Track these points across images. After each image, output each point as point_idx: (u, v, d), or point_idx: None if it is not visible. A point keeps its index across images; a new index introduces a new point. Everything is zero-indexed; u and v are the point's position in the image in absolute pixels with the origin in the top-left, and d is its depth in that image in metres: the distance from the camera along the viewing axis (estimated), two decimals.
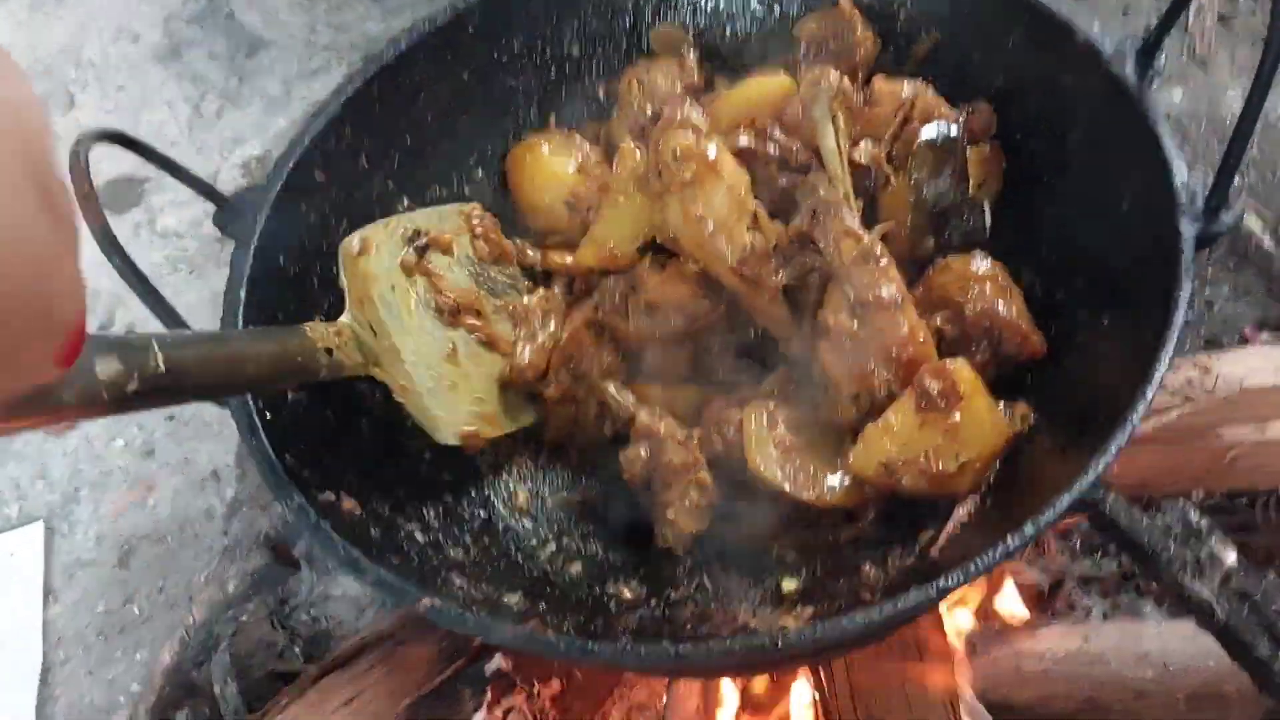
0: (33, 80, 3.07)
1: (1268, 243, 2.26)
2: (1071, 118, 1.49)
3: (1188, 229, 1.25)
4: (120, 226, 2.93)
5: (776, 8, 1.78)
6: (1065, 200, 1.51)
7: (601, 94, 1.82)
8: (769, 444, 1.44)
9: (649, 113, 1.66)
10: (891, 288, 1.39)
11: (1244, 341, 2.12)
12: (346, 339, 1.38)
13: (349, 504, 1.35)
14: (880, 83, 1.59)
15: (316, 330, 1.34)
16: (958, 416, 1.35)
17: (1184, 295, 1.22)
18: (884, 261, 1.40)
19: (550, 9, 1.74)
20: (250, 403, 1.31)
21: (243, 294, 1.40)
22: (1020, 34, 1.55)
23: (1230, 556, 1.47)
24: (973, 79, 1.63)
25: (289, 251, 1.50)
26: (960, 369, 1.36)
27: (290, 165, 1.51)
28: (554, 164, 1.71)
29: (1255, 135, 2.62)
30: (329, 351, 1.33)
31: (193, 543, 2.44)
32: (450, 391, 1.50)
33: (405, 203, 1.68)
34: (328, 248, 1.56)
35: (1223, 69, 2.78)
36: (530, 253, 1.67)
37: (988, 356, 1.46)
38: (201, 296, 2.81)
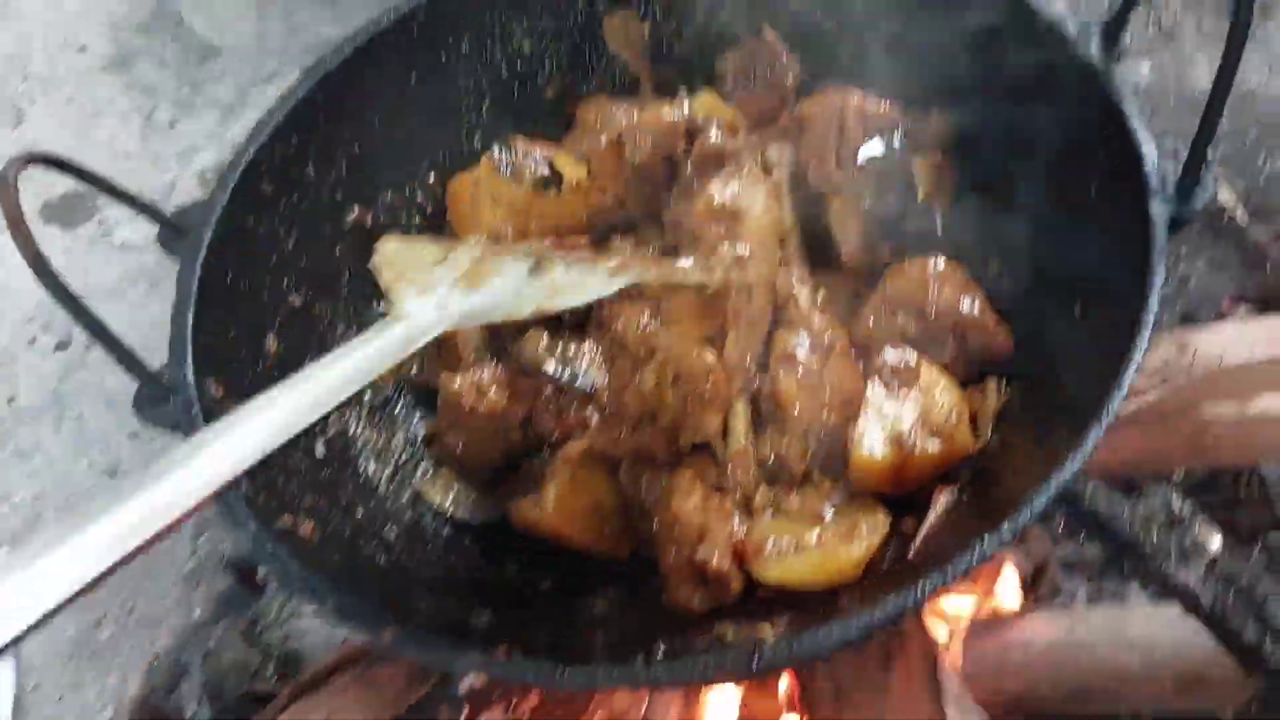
0: None
1: (1241, 215, 2.24)
2: (1037, 101, 1.46)
3: (1160, 212, 1.22)
4: (74, 241, 2.89)
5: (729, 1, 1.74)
6: (1032, 188, 1.47)
7: (550, 94, 1.78)
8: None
9: (603, 142, 1.61)
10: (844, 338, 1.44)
11: (1222, 315, 2.10)
12: None
13: (307, 527, 1.31)
14: (807, 105, 1.59)
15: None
16: (925, 376, 1.40)
17: (1158, 281, 1.19)
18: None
19: (498, 7, 1.69)
20: (200, 427, 1.26)
21: (190, 316, 1.35)
22: (983, 15, 1.51)
23: (1215, 542, 1.45)
24: (935, 66, 1.59)
25: (237, 268, 1.45)
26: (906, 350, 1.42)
27: (235, 179, 1.46)
28: (482, 206, 1.65)
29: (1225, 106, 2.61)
30: None
31: (162, 559, 2.38)
32: None
33: (355, 211, 1.63)
34: (276, 261, 1.52)
35: (1189, 40, 2.76)
36: None
37: (955, 354, 1.44)
38: (165, 309, 2.71)
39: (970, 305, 1.46)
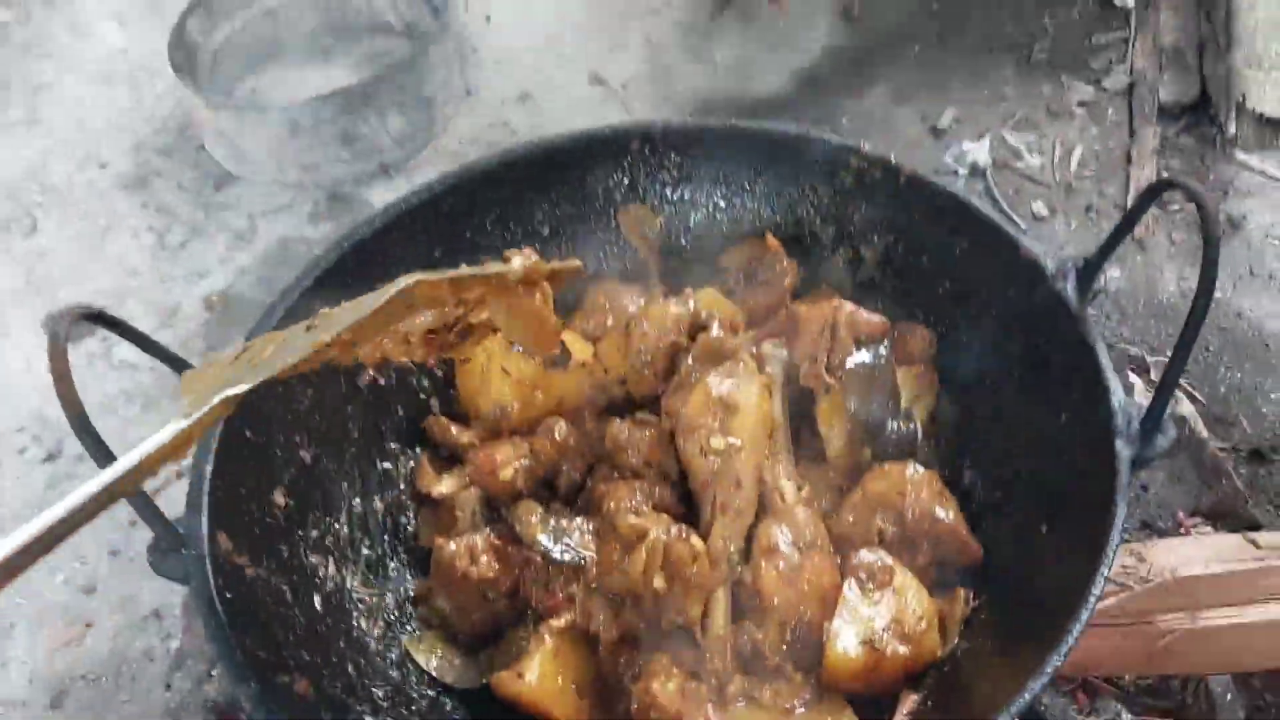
0: None
1: (1200, 427, 2.35)
2: (1015, 327, 1.58)
3: (1124, 451, 1.32)
4: (76, 355, 2.93)
5: (738, 200, 1.86)
6: (1007, 407, 1.58)
7: None
8: None
9: (607, 324, 1.72)
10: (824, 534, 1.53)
11: (1179, 527, 2.19)
12: None
13: (302, 685, 1.36)
14: (803, 308, 1.71)
15: None
16: (899, 580, 1.48)
17: (1119, 518, 1.28)
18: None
19: (522, 191, 1.80)
20: (210, 583, 1.32)
21: (209, 470, 1.41)
22: (966, 244, 1.64)
23: None
24: (923, 282, 1.71)
25: (254, 424, 1.53)
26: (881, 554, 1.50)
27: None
28: (493, 377, 1.75)
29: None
30: None
31: (129, 685, 2.39)
32: None
33: (369, 373, 1.71)
34: (291, 418, 1.59)
35: (1160, 250, 2.92)
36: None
37: (928, 559, 1.52)
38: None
39: (944, 514, 1.55)
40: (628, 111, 3.44)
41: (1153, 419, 1.33)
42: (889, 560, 1.49)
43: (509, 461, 1.64)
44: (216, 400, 1.20)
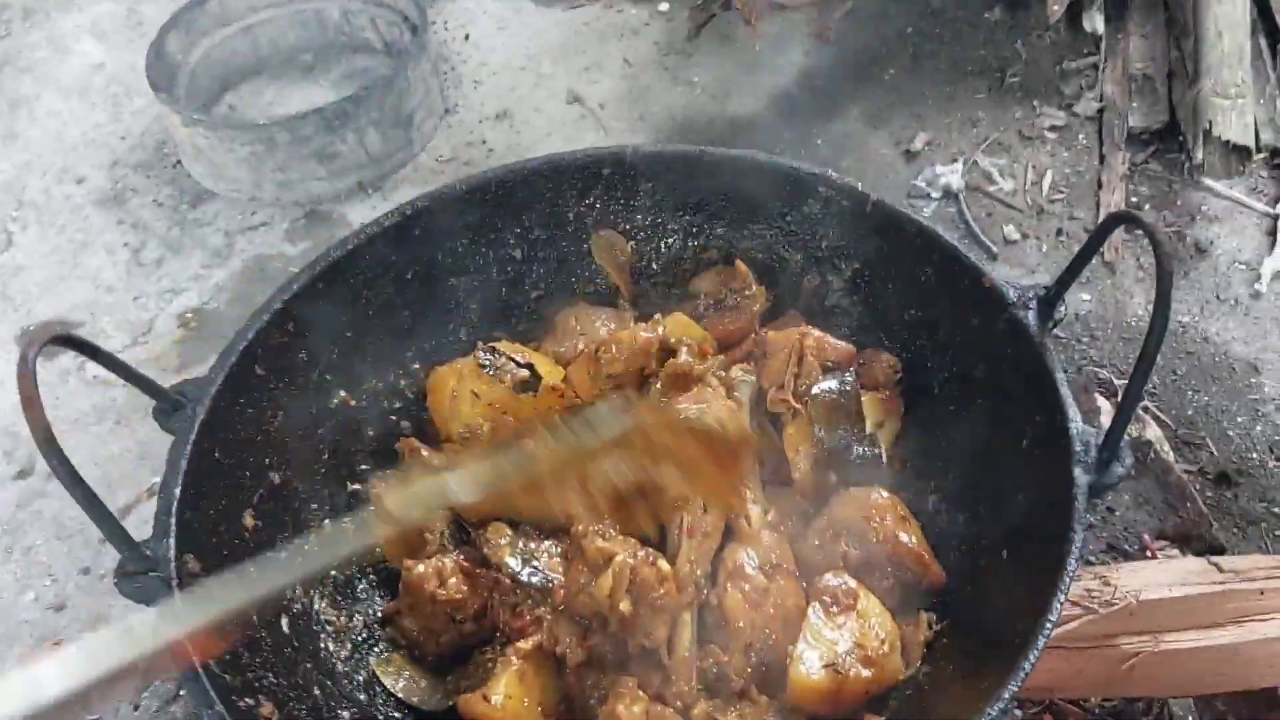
0: None
1: (1166, 451, 2.38)
2: (978, 354, 1.60)
3: (1081, 479, 1.34)
4: (49, 372, 2.93)
5: (708, 226, 1.89)
6: (971, 433, 1.60)
7: (536, 296, 1.91)
8: None
9: (579, 348, 1.74)
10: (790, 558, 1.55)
11: (1144, 550, 2.22)
12: None
13: (267, 708, 1.36)
14: (771, 334, 1.73)
15: None
16: (863, 604, 1.50)
17: (1077, 544, 1.30)
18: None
19: (494, 214, 1.82)
20: (178, 603, 1.32)
21: (177, 493, 1.42)
22: (931, 271, 1.66)
23: None
24: (889, 308, 1.73)
25: (224, 445, 1.53)
26: (847, 575, 1.53)
27: (233, 361, 1.55)
28: (463, 401, 1.75)
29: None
30: None
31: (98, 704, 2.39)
32: None
33: (340, 394, 1.72)
34: (261, 439, 1.60)
35: (1129, 274, 2.95)
36: None
37: (892, 583, 1.54)
38: (126, 447, 2.79)
39: (908, 538, 1.58)
40: (605, 131, 3.47)
41: (1110, 446, 1.35)
42: (853, 584, 1.51)
43: None
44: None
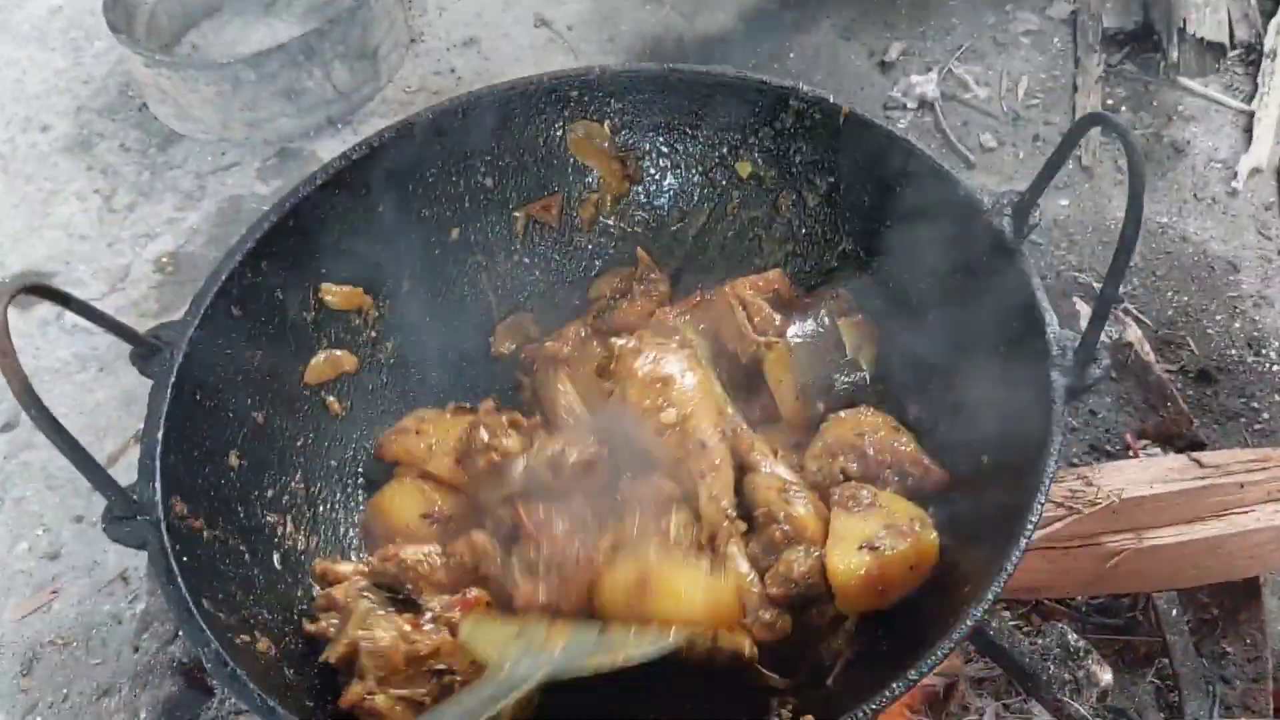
0: None
1: (1147, 352, 2.39)
2: (955, 264, 1.60)
3: (1059, 381, 1.35)
4: (27, 322, 2.92)
5: (680, 146, 1.87)
6: (951, 339, 1.61)
7: (520, 226, 1.89)
8: None
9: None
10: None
11: (1127, 449, 2.24)
12: None
13: (264, 644, 1.38)
14: (704, 304, 1.78)
15: None
16: (882, 497, 1.55)
17: (1055, 446, 1.31)
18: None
19: (463, 143, 1.79)
20: (167, 546, 1.33)
21: (160, 436, 1.42)
22: (906, 183, 1.65)
23: (1106, 676, 1.57)
24: (865, 221, 1.73)
25: (204, 386, 1.53)
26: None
27: (206, 303, 1.54)
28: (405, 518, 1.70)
29: (1138, 243, 2.79)
30: None
31: (99, 649, 2.41)
32: None
33: (320, 337, 1.72)
34: (242, 379, 1.60)
35: (1106, 178, 2.95)
36: None
37: (897, 490, 1.56)
38: (111, 394, 2.79)
39: (903, 444, 1.59)
40: (574, 54, 3.42)
41: (1086, 349, 1.35)
42: (867, 489, 1.54)
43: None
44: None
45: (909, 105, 3.15)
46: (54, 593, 2.51)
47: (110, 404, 2.76)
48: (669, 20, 3.51)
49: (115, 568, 2.53)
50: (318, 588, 1.54)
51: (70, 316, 2.95)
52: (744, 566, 1.51)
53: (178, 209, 3.15)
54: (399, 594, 1.53)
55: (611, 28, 3.51)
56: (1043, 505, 1.27)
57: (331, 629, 1.47)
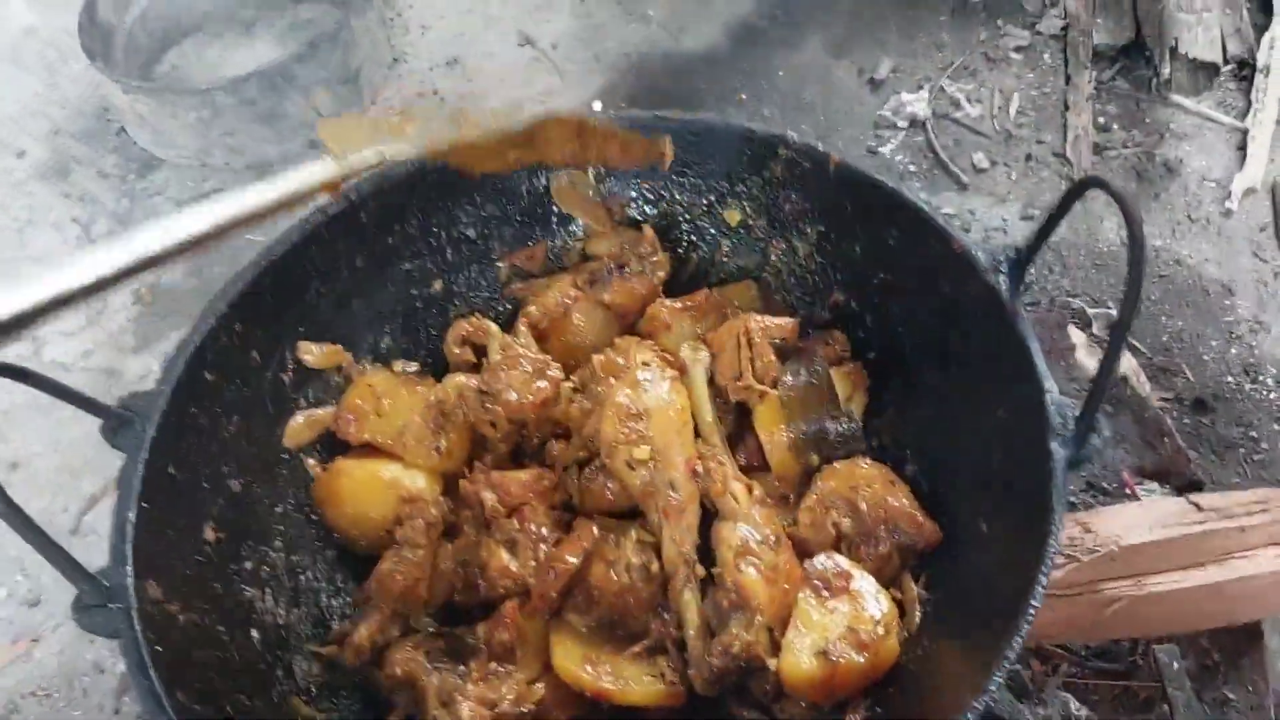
0: None
1: (1143, 383, 2.36)
2: (949, 319, 1.56)
3: (1059, 453, 1.31)
4: (2, 357, 2.86)
5: (665, 194, 1.83)
6: (947, 398, 1.57)
7: (504, 276, 1.86)
8: None
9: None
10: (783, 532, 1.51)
11: (1124, 487, 2.21)
12: None
13: None
14: (711, 335, 1.73)
15: None
16: (856, 584, 1.47)
17: (1057, 521, 1.27)
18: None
19: (443, 194, 1.75)
20: (139, 636, 1.28)
21: (132, 515, 1.37)
22: (899, 234, 1.61)
23: None
24: (856, 273, 1.69)
25: (178, 458, 1.48)
26: (839, 556, 1.50)
27: (179, 370, 1.49)
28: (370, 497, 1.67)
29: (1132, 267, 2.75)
30: None
31: (81, 700, 2.36)
32: None
33: (298, 398, 1.67)
34: (217, 447, 1.55)
35: (1099, 200, 2.90)
36: None
37: (890, 548, 1.52)
38: (87, 430, 2.67)
39: (898, 501, 1.55)
40: (560, 75, 3.37)
41: (1087, 419, 1.31)
42: (845, 564, 1.48)
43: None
44: (370, 153, 1.35)
45: (900, 124, 3.10)
46: (34, 641, 2.46)
47: (85, 441, 2.69)
48: (655, 37, 3.46)
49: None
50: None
51: (48, 353, 2.91)
52: (693, 616, 1.48)
53: None
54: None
55: (597, 45, 3.46)
56: (1045, 586, 1.23)
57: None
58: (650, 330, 1.76)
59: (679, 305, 1.78)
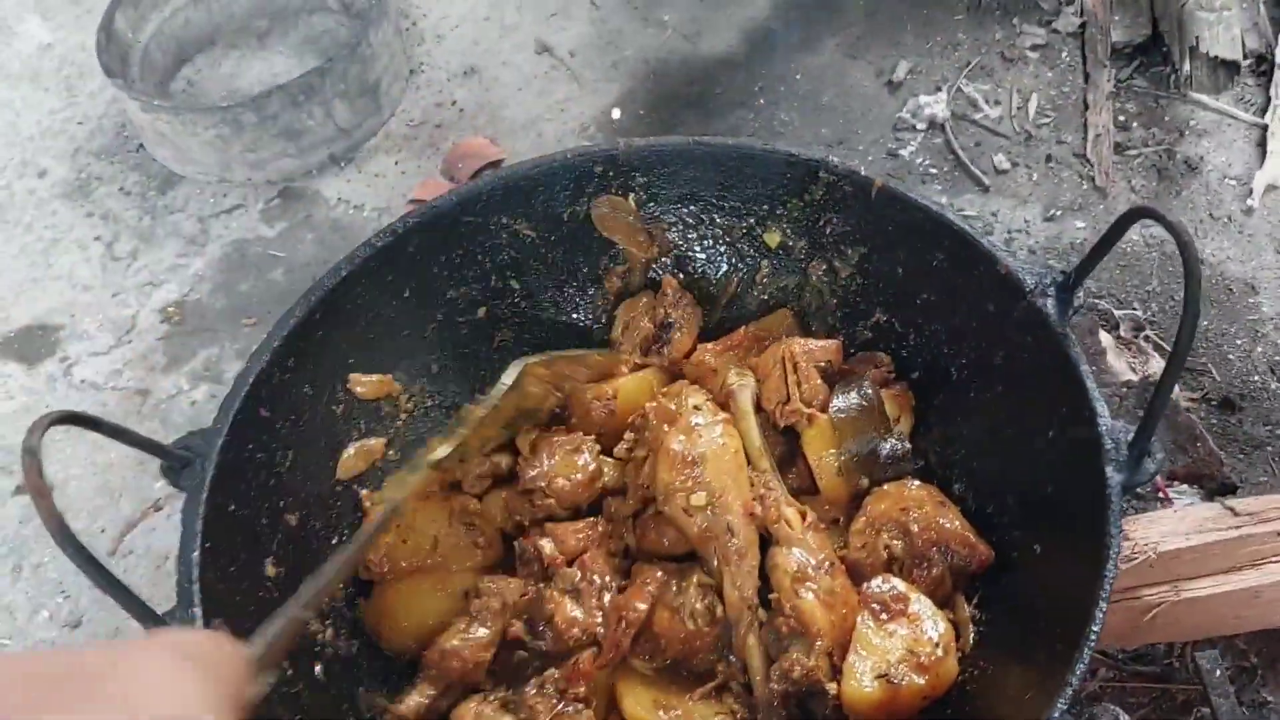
0: None
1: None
2: (996, 341, 1.57)
3: (1114, 478, 1.33)
4: (34, 378, 2.88)
5: (707, 217, 1.84)
6: (994, 419, 1.58)
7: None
8: None
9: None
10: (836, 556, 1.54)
11: (1157, 491, 2.22)
12: None
13: None
14: (754, 360, 1.77)
15: None
16: (914, 607, 1.48)
17: (1115, 548, 1.29)
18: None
19: (485, 223, 1.76)
20: None
21: (196, 555, 1.39)
22: (944, 257, 1.62)
23: None
24: (900, 294, 1.70)
25: (238, 496, 1.50)
26: (895, 579, 1.51)
27: (235, 409, 1.51)
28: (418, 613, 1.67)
29: (1154, 265, 2.77)
30: None
31: None
32: None
33: (350, 430, 1.69)
34: (274, 483, 1.57)
35: (1120, 198, 2.92)
36: None
37: (942, 570, 1.53)
38: (125, 452, 2.72)
39: (949, 521, 1.56)
40: (579, 83, 3.38)
41: (1141, 443, 1.33)
42: (901, 587, 1.50)
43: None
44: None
45: (919, 126, 3.11)
46: None
47: (124, 463, 2.72)
48: (672, 43, 3.47)
49: (138, 635, 2.49)
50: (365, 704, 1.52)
51: (79, 372, 2.93)
52: (758, 664, 1.50)
53: (180, 255, 3.10)
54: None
55: (615, 52, 3.46)
56: (1104, 612, 1.25)
57: None
58: (697, 377, 1.78)
59: (719, 347, 1.80)
